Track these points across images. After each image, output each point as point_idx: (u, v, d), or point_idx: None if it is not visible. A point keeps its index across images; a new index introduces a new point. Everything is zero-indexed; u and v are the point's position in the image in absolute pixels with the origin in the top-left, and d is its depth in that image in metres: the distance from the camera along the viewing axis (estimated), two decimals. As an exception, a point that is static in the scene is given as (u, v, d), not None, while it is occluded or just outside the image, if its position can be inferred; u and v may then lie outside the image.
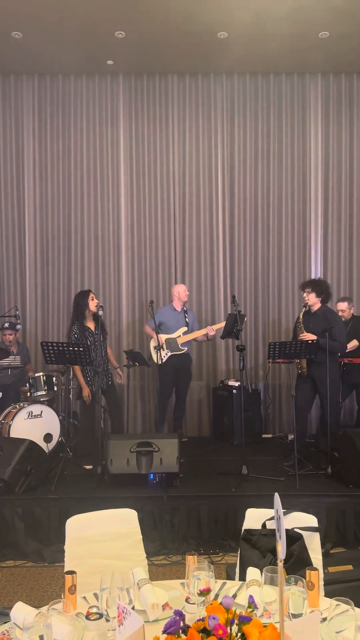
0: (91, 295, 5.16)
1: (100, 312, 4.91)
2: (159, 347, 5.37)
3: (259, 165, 6.64)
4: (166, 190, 6.61)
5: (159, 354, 5.35)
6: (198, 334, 5.62)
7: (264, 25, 5.43)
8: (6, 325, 5.62)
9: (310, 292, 4.84)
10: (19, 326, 5.65)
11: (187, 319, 5.72)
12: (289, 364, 4.89)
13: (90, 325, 5.17)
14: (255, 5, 5.09)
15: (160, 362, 5.39)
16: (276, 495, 1.35)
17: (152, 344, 5.67)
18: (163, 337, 5.59)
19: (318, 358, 4.61)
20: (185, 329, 5.66)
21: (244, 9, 5.14)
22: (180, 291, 5.73)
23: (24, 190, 6.57)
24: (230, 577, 2.71)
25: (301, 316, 4.92)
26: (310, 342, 4.52)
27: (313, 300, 4.85)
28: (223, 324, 5.45)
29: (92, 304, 5.13)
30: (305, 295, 4.87)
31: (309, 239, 6.64)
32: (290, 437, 5.55)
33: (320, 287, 4.85)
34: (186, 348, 5.64)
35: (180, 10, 5.16)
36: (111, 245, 6.60)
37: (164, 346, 5.55)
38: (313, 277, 6.61)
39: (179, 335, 5.61)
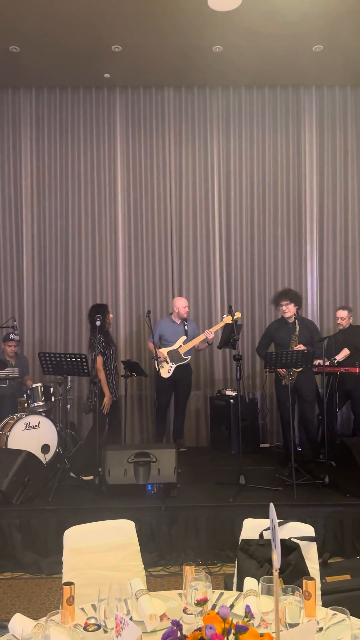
0: (108, 309, 5.41)
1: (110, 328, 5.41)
2: (156, 358, 5.40)
3: (254, 177, 6.70)
4: (163, 202, 6.66)
5: (158, 365, 5.39)
6: (197, 339, 5.61)
7: (259, 38, 5.51)
8: (11, 336, 5.63)
9: (289, 303, 5.04)
10: (17, 337, 5.68)
11: (186, 329, 5.72)
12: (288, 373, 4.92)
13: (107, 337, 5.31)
14: (249, 20, 5.17)
15: (167, 376, 5.48)
16: (271, 505, 1.37)
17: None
18: (165, 350, 5.60)
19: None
20: (184, 337, 5.67)
21: (239, 23, 5.22)
22: (180, 306, 5.69)
23: (22, 203, 6.61)
24: (228, 587, 2.71)
25: (297, 330, 4.99)
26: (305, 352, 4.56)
27: (293, 310, 5.07)
28: (221, 324, 5.47)
29: (110, 319, 5.40)
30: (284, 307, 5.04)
31: (305, 250, 6.69)
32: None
33: (297, 297, 5.09)
34: (189, 357, 5.64)
35: (176, 24, 5.24)
36: (108, 257, 6.63)
37: (168, 359, 5.56)
38: (309, 287, 6.66)
39: (180, 345, 5.61)
